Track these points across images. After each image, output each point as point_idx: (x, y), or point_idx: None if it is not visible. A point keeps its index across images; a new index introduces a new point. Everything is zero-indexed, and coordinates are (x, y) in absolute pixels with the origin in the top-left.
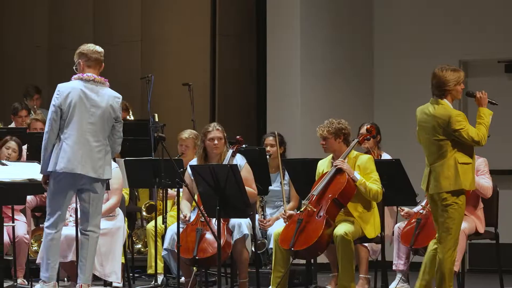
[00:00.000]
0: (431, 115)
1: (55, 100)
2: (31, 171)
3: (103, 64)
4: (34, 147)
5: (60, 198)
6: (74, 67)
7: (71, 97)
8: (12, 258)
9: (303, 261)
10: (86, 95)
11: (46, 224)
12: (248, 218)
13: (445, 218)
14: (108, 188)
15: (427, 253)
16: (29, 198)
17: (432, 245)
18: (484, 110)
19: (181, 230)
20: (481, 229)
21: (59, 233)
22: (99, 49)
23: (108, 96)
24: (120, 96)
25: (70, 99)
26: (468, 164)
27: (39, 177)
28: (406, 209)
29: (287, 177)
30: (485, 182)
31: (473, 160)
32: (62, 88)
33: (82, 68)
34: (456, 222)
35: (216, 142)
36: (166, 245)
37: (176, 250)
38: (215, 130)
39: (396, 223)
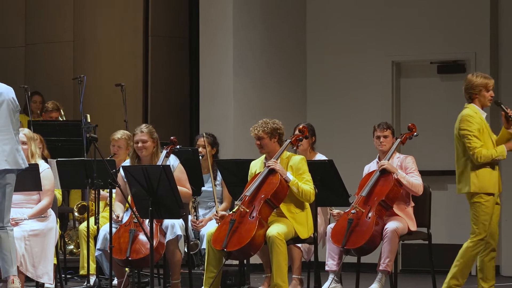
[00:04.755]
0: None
1: None
2: None
3: None
4: None
5: None
6: None
7: None
8: None
9: (236, 262)
10: None
11: None
12: (181, 219)
13: (472, 216)
14: (39, 188)
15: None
16: None
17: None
18: (503, 150)
19: (113, 231)
20: (413, 227)
21: None
22: None
23: (5, 89)
24: (11, 87)
25: None
26: (486, 168)
27: None
28: (337, 210)
29: (219, 177)
30: (415, 180)
31: (492, 165)
32: None
33: None
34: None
35: (139, 144)
36: (98, 246)
37: (108, 251)
38: (139, 133)
39: (329, 223)
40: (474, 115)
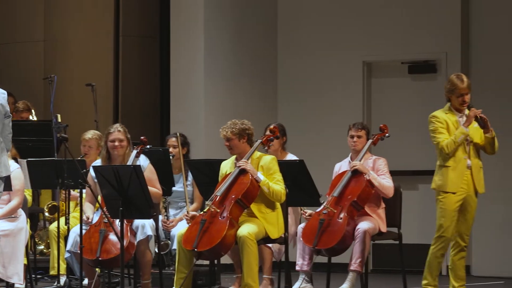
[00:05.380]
0: None
1: None
2: None
3: None
4: None
5: None
6: None
7: None
8: None
9: (207, 262)
10: None
11: None
12: (152, 219)
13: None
14: (9, 188)
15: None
16: None
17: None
18: (461, 128)
19: (84, 231)
20: (384, 228)
21: None
22: None
23: None
24: (5, 92)
25: None
26: (447, 167)
27: None
28: (309, 211)
29: (190, 177)
30: (386, 182)
31: (456, 164)
32: None
33: None
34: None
35: (116, 143)
36: (69, 246)
37: (79, 251)
38: (116, 132)
39: (300, 223)
40: (438, 115)
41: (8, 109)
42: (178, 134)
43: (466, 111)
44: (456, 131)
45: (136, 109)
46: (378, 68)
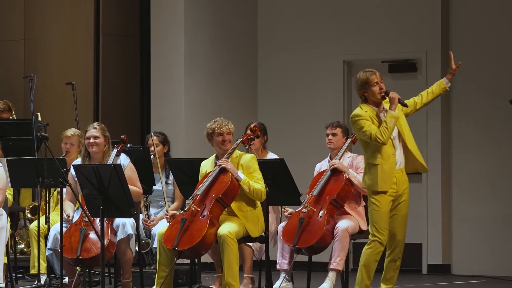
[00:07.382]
0: None
1: None
2: None
3: None
4: None
5: None
6: None
7: None
8: None
9: (188, 261)
10: None
11: None
12: (132, 218)
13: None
14: None
15: None
16: None
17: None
18: (389, 113)
19: (64, 230)
20: (364, 227)
21: None
22: None
23: None
24: None
25: None
26: (375, 165)
27: None
28: (289, 209)
29: (171, 176)
30: None
31: (385, 161)
32: None
33: None
34: (372, 219)
35: (91, 140)
36: (49, 245)
37: (59, 250)
38: (91, 129)
39: (280, 222)
40: (360, 112)
41: None
42: (151, 134)
43: (385, 105)
44: (388, 118)
45: (116, 108)
46: (358, 67)
